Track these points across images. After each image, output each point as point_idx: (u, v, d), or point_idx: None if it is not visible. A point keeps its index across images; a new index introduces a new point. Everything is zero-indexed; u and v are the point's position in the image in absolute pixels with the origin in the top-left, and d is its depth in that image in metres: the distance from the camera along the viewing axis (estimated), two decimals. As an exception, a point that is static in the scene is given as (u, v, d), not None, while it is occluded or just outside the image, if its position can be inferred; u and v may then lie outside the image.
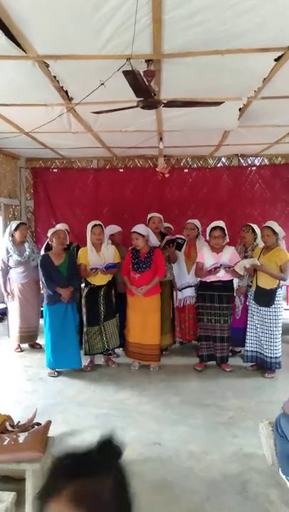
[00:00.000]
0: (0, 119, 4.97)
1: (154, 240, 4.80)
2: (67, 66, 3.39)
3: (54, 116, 4.62)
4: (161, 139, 5.83)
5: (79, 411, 3.82)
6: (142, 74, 2.96)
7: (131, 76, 2.87)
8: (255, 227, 5.10)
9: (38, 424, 2.74)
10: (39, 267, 4.69)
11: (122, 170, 7.81)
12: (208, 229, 4.73)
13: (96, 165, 7.91)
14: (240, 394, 4.17)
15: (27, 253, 5.44)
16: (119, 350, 5.26)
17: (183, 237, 5.15)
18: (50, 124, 4.82)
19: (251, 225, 5.13)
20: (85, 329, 4.83)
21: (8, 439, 2.46)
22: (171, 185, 7.68)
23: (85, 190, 7.80)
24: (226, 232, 4.67)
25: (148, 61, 3.24)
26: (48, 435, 2.66)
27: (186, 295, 5.24)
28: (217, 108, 3.89)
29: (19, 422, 2.79)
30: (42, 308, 5.78)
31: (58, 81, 3.74)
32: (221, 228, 4.63)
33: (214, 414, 3.75)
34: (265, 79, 3.64)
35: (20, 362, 5.17)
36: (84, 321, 4.85)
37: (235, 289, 4.89)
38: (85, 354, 4.83)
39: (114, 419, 3.67)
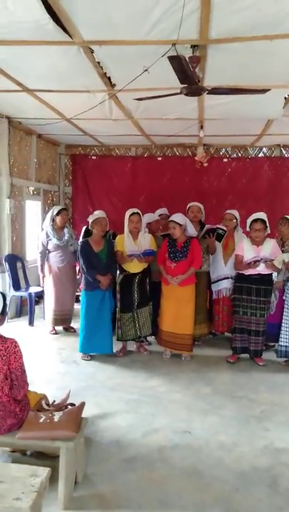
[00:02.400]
0: (43, 105, 5.05)
1: (192, 230, 4.75)
2: (112, 52, 3.39)
3: (96, 102, 4.65)
4: (202, 127, 5.75)
5: (110, 395, 3.88)
6: (187, 60, 2.92)
7: (176, 62, 2.83)
8: None
9: (72, 404, 2.80)
10: (79, 254, 4.74)
11: (160, 158, 7.79)
12: (249, 221, 4.62)
13: (134, 153, 7.91)
14: (272, 388, 4.11)
15: (66, 238, 5.54)
16: (151, 338, 5.29)
17: (224, 228, 5.05)
18: (91, 110, 4.85)
19: (288, 217, 4.98)
20: (118, 315, 4.87)
21: (44, 417, 2.53)
22: (209, 175, 7.59)
23: (122, 178, 7.83)
24: (267, 225, 4.56)
25: (193, 47, 3.20)
26: (82, 416, 2.72)
27: (222, 287, 5.18)
28: (262, 96, 3.79)
29: (54, 401, 2.87)
30: (77, 293, 5.92)
31: (101, 67, 3.75)
32: (263, 221, 4.51)
33: (246, 407, 3.72)
34: (314, 65, 3.52)
35: (55, 344, 5.30)
36: (118, 307, 4.90)
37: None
38: (118, 340, 4.89)
39: (144, 405, 3.71)
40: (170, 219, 4.71)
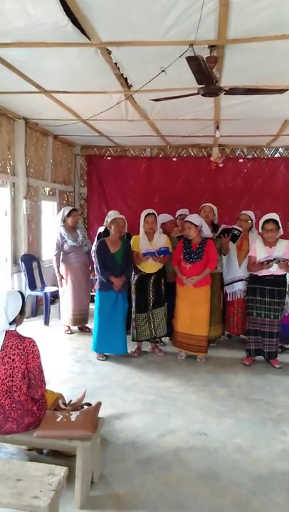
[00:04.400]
0: (59, 106, 5.09)
1: (207, 231, 4.73)
2: (129, 53, 3.40)
3: (112, 103, 4.67)
4: (217, 127, 5.72)
5: (126, 395, 3.89)
6: (205, 60, 2.90)
7: (194, 62, 2.82)
8: None
9: (89, 404, 2.82)
10: (95, 253, 4.74)
11: (175, 159, 7.78)
12: (261, 222, 4.58)
13: (149, 153, 7.92)
14: (289, 391, 4.07)
15: (80, 238, 5.58)
16: (166, 339, 5.28)
17: (240, 228, 5.02)
18: (107, 111, 4.87)
19: None
20: (133, 316, 4.88)
21: (61, 417, 2.55)
22: (224, 176, 7.55)
23: (137, 179, 7.84)
24: (280, 225, 4.52)
25: (211, 47, 3.18)
26: (98, 416, 2.73)
27: (237, 288, 5.15)
28: (279, 96, 3.76)
29: (71, 400, 2.89)
30: (92, 293, 5.94)
31: (118, 68, 3.76)
32: (275, 221, 4.48)
33: (262, 410, 3.68)
34: None
35: (70, 344, 5.33)
36: (133, 308, 4.90)
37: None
38: (133, 340, 4.89)
39: (160, 406, 3.70)
40: (185, 219, 4.69)
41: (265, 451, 3.04)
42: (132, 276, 4.93)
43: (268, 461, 2.91)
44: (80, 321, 5.72)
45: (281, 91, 3.60)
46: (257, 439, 3.19)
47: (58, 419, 2.53)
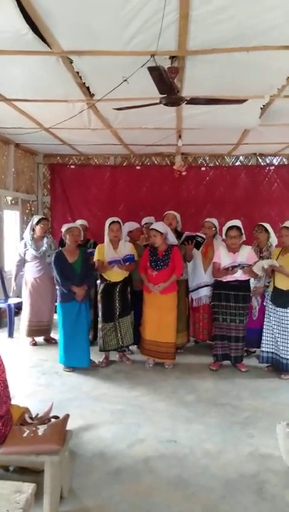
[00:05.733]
0: (21, 115, 5.01)
1: (172, 238, 4.78)
2: (91, 62, 3.40)
3: (75, 112, 4.65)
4: (180, 136, 5.81)
5: (94, 406, 3.83)
6: (166, 70, 2.95)
7: (155, 72, 2.86)
8: (268, 226, 5.05)
9: (56, 417, 2.75)
10: (52, 264, 4.67)
11: (138, 167, 7.82)
12: (225, 228, 4.70)
13: (113, 162, 7.93)
14: (255, 394, 4.14)
15: (43, 248, 5.49)
16: (133, 348, 5.26)
17: (203, 235, 5.10)
18: (70, 120, 4.84)
19: (264, 224, 5.08)
20: (100, 325, 4.84)
21: (28, 431, 2.47)
22: (187, 184, 7.67)
23: (101, 187, 7.82)
24: (243, 232, 4.64)
25: (172, 58, 3.24)
26: (66, 429, 2.67)
27: (202, 294, 5.22)
28: (239, 106, 3.87)
29: (37, 414, 2.81)
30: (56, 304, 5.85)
31: (80, 77, 3.75)
32: (238, 228, 4.60)
33: (229, 414, 3.73)
34: (289, 77, 3.61)
35: (36, 356, 5.20)
36: (99, 317, 4.86)
37: (251, 289, 4.84)
38: (100, 350, 4.84)
39: (129, 415, 3.67)
40: (151, 227, 4.73)
41: (233, 454, 3.07)
42: (98, 285, 4.89)
43: (237, 465, 2.95)
44: (37, 333, 5.61)
45: (240, 101, 3.72)
46: (225, 443, 3.22)
47: (25, 435, 2.46)
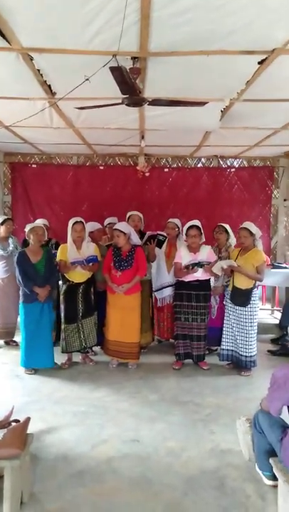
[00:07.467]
0: (-21, 112, 4.86)
1: (136, 239, 4.79)
2: (52, 60, 3.35)
3: (36, 110, 4.55)
4: (142, 137, 5.84)
5: (56, 409, 3.79)
6: (128, 71, 2.96)
7: (117, 73, 2.86)
8: (228, 227, 5.16)
9: (17, 421, 2.70)
10: (15, 265, 4.58)
11: (102, 167, 7.78)
12: (185, 228, 4.78)
13: (76, 161, 7.85)
14: (217, 391, 4.22)
15: (10, 248, 5.41)
16: (96, 348, 5.23)
17: (165, 234, 5.15)
18: (31, 118, 4.73)
19: (224, 225, 5.19)
20: (62, 326, 4.78)
21: (-13, 436, 2.42)
22: (151, 184, 7.70)
23: (64, 187, 7.73)
24: (202, 232, 4.72)
25: (134, 58, 3.24)
26: (27, 432, 2.62)
27: (166, 294, 5.26)
28: (200, 108, 3.92)
29: (-3, 419, 2.75)
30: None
31: (41, 75, 3.69)
32: (197, 227, 4.68)
33: (192, 412, 3.78)
34: (248, 81, 3.70)
35: (-4, 359, 5.08)
36: (62, 319, 4.80)
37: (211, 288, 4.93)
38: (62, 352, 4.78)
39: (92, 416, 3.65)
40: (114, 227, 4.73)
41: (195, 451, 3.12)
42: (60, 286, 4.83)
43: (198, 462, 2.99)
44: (6, 335, 5.49)
45: (201, 104, 3.77)
46: (188, 441, 3.27)
47: (-17, 440, 2.40)
